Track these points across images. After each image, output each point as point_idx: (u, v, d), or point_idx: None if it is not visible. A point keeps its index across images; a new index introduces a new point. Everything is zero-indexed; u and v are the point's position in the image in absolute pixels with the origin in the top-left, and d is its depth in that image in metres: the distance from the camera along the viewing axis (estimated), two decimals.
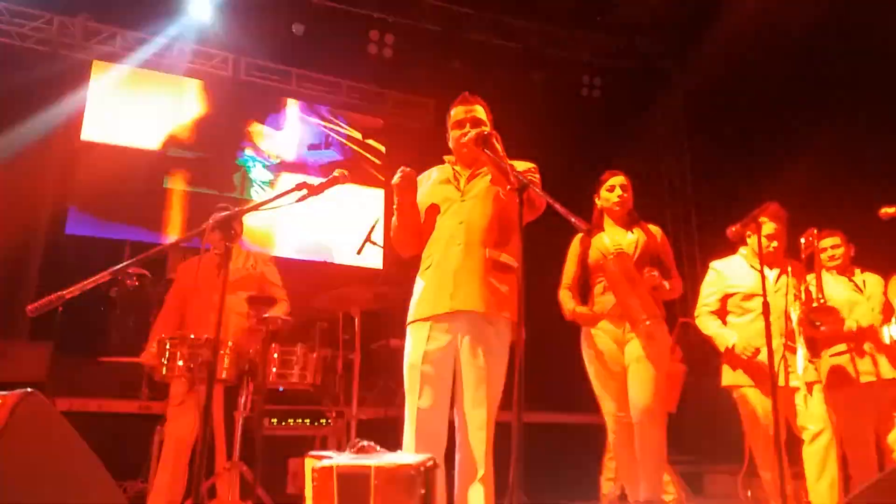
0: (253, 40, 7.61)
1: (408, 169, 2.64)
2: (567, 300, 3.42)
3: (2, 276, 4.79)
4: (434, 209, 2.75)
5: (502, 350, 2.57)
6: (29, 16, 6.87)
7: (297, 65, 7.95)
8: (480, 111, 2.79)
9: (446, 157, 2.88)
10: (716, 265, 3.74)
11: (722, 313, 3.65)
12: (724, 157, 7.49)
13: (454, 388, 2.56)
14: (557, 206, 2.15)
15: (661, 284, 3.25)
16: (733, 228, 3.16)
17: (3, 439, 1.39)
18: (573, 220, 2.09)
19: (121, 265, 2.29)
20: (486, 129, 2.66)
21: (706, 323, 3.62)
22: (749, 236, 3.60)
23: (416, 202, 2.76)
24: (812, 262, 3.69)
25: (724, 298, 3.63)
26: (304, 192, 2.67)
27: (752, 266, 3.58)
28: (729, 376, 3.55)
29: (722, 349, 3.50)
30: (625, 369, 3.26)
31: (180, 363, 3.32)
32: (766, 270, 3.46)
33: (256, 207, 2.69)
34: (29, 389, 1.50)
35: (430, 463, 1.99)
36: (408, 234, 2.78)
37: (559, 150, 7.34)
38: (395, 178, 2.63)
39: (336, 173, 2.65)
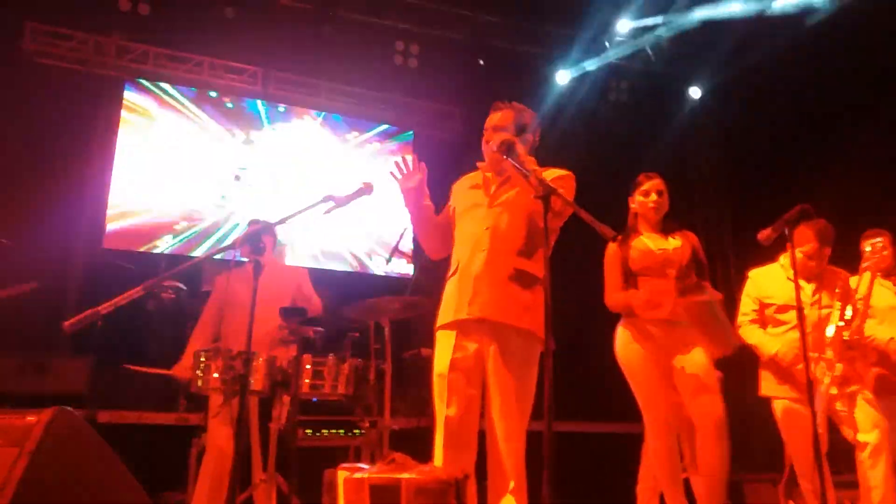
0: (281, 54, 7.74)
1: (411, 169, 2.68)
2: (624, 297, 3.28)
3: (43, 291, 4.92)
4: (463, 214, 2.76)
5: (530, 360, 2.54)
6: (64, 36, 7.06)
7: (325, 78, 8.03)
8: (498, 118, 2.79)
9: (479, 163, 2.88)
10: (752, 274, 3.70)
11: (760, 322, 3.60)
12: (758, 158, 7.36)
13: (485, 397, 2.56)
14: (583, 213, 2.13)
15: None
16: (764, 232, 3.09)
17: (37, 455, 1.43)
18: (599, 228, 2.08)
19: (153, 280, 2.34)
20: (509, 135, 2.66)
21: (750, 332, 3.57)
22: (791, 234, 3.50)
23: (424, 203, 2.78)
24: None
25: (762, 308, 3.58)
26: (331, 203, 2.71)
27: (789, 277, 3.49)
28: (768, 386, 3.51)
29: (766, 357, 3.46)
30: (672, 377, 3.22)
31: (215, 375, 3.37)
32: (802, 282, 3.42)
33: (284, 220, 2.73)
34: (62, 406, 1.54)
35: (462, 475, 1.99)
36: (425, 234, 2.83)
37: (589, 155, 7.30)
38: (400, 180, 2.71)
39: (362, 185, 2.68)
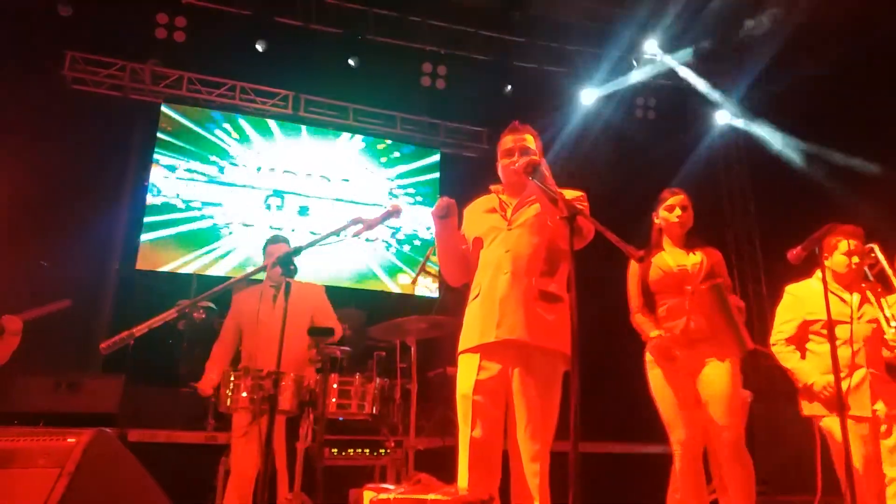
0: (311, 77, 7.90)
1: (446, 199, 2.67)
2: (647, 325, 3.30)
3: (77, 311, 5.03)
4: (481, 239, 2.77)
5: (554, 380, 2.54)
6: (102, 63, 7.30)
7: (354, 100, 8.17)
8: (529, 139, 2.79)
9: (492, 187, 2.89)
10: (792, 290, 3.57)
11: (798, 340, 3.48)
12: (787, 175, 7.28)
13: (507, 418, 2.55)
14: (608, 233, 2.13)
15: (743, 307, 3.26)
16: (794, 251, 3.05)
17: (77, 476, 1.47)
18: (625, 248, 2.08)
19: (187, 301, 2.39)
20: (536, 157, 2.68)
21: (785, 355, 3.46)
22: (826, 258, 3.45)
23: (457, 231, 2.79)
24: (885, 280, 3.53)
25: (804, 325, 3.46)
26: (360, 226, 2.75)
27: (831, 291, 3.36)
28: (809, 406, 3.41)
29: (800, 385, 3.37)
30: (697, 397, 3.20)
31: (243, 394, 3.40)
32: (846, 295, 3.37)
33: (314, 243, 2.77)
34: (101, 428, 1.58)
35: (487, 497, 1.99)
36: (452, 263, 2.81)
37: (617, 172, 7.31)
38: (434, 209, 2.67)
39: (390, 206, 2.72)
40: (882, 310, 3.37)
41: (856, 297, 3.42)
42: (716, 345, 3.21)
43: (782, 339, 3.49)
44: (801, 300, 3.50)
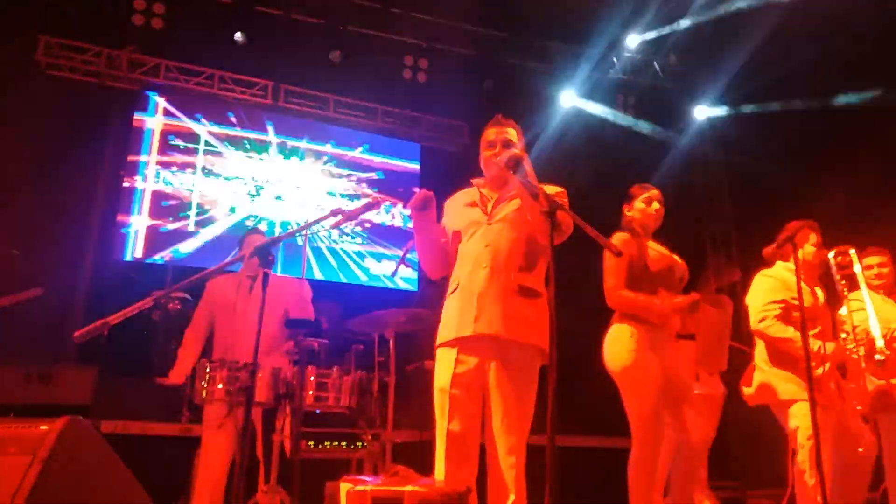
0: (292, 68, 7.83)
1: (424, 191, 2.67)
2: (645, 299, 3.14)
3: (50, 301, 4.96)
4: (461, 232, 2.77)
5: (531, 374, 2.55)
6: (78, 49, 7.16)
7: (335, 91, 8.11)
8: (512, 133, 2.79)
9: (474, 180, 2.89)
10: (771, 274, 3.51)
11: (785, 323, 3.40)
12: (764, 175, 7.36)
13: (484, 412, 2.56)
14: (588, 228, 2.14)
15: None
16: (769, 248, 3.09)
17: (49, 463, 1.45)
18: (605, 243, 2.09)
19: (163, 291, 2.37)
20: (517, 151, 2.68)
21: (779, 328, 3.33)
22: (795, 250, 3.46)
23: (435, 224, 2.79)
24: (852, 282, 3.59)
25: (789, 308, 3.39)
26: (339, 217, 2.74)
27: (803, 283, 3.42)
28: (790, 390, 3.32)
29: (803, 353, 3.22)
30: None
31: (220, 386, 3.38)
32: (817, 289, 3.43)
33: (293, 234, 2.76)
34: (74, 416, 1.57)
35: (465, 488, 2.00)
36: (430, 256, 2.82)
37: (595, 170, 7.34)
38: (411, 201, 2.67)
39: (370, 198, 2.71)
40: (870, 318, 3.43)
41: (819, 294, 3.49)
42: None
43: (771, 316, 3.39)
44: (785, 284, 3.43)
